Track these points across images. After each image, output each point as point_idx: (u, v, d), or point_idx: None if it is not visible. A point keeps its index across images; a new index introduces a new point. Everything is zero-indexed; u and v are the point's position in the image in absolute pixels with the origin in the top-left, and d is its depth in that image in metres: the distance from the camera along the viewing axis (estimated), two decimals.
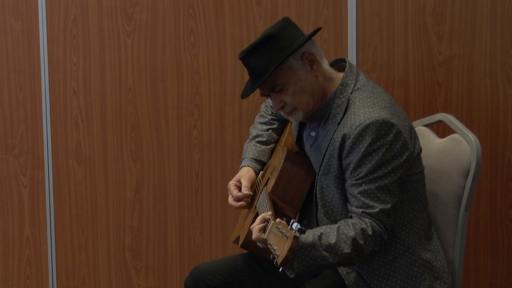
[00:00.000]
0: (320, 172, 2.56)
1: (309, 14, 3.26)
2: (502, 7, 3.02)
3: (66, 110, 3.67)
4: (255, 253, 2.72)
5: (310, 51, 2.54)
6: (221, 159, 3.48)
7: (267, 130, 2.90)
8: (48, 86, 3.68)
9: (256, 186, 2.81)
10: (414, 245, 2.55)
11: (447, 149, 2.69)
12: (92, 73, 3.61)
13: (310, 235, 2.38)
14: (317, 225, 2.60)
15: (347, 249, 2.39)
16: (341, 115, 2.52)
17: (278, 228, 2.23)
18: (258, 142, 2.88)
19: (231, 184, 2.79)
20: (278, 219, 2.29)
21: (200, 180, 3.52)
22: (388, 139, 2.44)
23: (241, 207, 2.74)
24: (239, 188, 2.77)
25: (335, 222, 2.53)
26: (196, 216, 3.55)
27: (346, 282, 2.56)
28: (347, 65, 2.60)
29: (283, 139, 2.86)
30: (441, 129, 3.00)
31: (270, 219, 2.36)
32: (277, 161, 2.74)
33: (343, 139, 2.48)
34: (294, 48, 2.51)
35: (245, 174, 2.81)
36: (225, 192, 3.50)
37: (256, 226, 2.38)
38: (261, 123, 2.93)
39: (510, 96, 3.05)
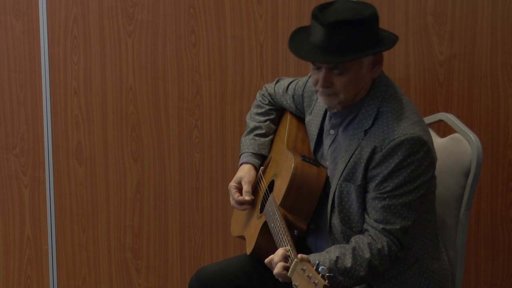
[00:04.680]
0: (341, 178, 2.51)
1: (310, 14, 3.25)
2: (502, 6, 3.02)
3: (66, 110, 3.66)
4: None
5: (382, 54, 2.50)
6: (221, 158, 3.48)
7: (265, 121, 2.86)
8: (48, 86, 3.68)
9: (258, 182, 2.79)
10: (423, 256, 2.54)
11: (448, 148, 2.69)
12: (92, 73, 3.61)
13: (326, 260, 2.34)
14: (330, 229, 2.56)
15: (362, 272, 2.37)
16: (370, 123, 2.48)
17: (303, 270, 2.18)
18: (256, 135, 2.84)
19: (232, 186, 2.75)
20: (300, 256, 2.23)
21: (201, 179, 3.52)
22: (418, 156, 2.42)
23: (245, 210, 2.73)
24: (240, 190, 2.74)
25: (350, 229, 2.50)
26: (196, 216, 3.55)
27: None
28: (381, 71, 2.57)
29: (284, 135, 2.79)
30: (442, 129, 3.00)
31: (290, 255, 2.29)
32: (283, 165, 2.69)
33: (374, 150, 2.44)
34: (383, 50, 2.45)
35: (246, 175, 2.76)
36: (226, 192, 3.50)
37: (279, 263, 2.29)
38: (259, 114, 2.88)
39: (510, 96, 3.05)
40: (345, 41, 2.39)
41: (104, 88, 3.60)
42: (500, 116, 3.06)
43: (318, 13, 2.44)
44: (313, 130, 2.69)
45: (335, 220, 2.54)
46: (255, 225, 2.68)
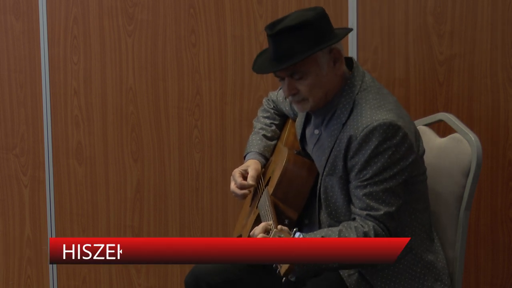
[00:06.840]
0: (324, 173, 2.55)
1: None
2: (502, 6, 3.02)
3: (66, 110, 3.67)
4: None
5: (338, 49, 2.54)
6: (221, 158, 3.48)
7: (271, 124, 2.92)
8: (48, 86, 3.68)
9: (258, 183, 2.81)
10: (417, 246, 2.55)
11: (448, 148, 2.69)
12: (92, 73, 3.61)
13: None
14: (319, 226, 2.60)
15: None
16: (346, 116, 2.52)
17: (281, 237, 2.23)
18: (263, 136, 2.89)
19: (237, 171, 2.78)
20: (279, 226, 2.29)
21: (201, 179, 3.52)
22: (394, 141, 2.43)
23: (244, 195, 2.74)
24: (244, 177, 2.76)
25: (338, 223, 2.52)
26: (196, 216, 3.55)
27: (348, 284, 2.55)
28: (354, 65, 2.60)
29: (284, 135, 2.87)
30: (442, 129, 3.00)
31: (271, 228, 2.35)
32: (278, 161, 2.73)
33: (349, 140, 2.47)
34: (329, 44, 2.49)
35: (253, 165, 2.81)
36: (226, 192, 3.50)
37: (259, 235, 2.37)
38: (264, 117, 2.94)
39: (510, 96, 3.05)
40: (291, 46, 2.48)
41: (104, 88, 3.60)
42: (500, 116, 3.06)
43: (268, 28, 2.53)
44: (298, 131, 2.75)
45: (323, 215, 2.58)
46: (251, 219, 2.72)
